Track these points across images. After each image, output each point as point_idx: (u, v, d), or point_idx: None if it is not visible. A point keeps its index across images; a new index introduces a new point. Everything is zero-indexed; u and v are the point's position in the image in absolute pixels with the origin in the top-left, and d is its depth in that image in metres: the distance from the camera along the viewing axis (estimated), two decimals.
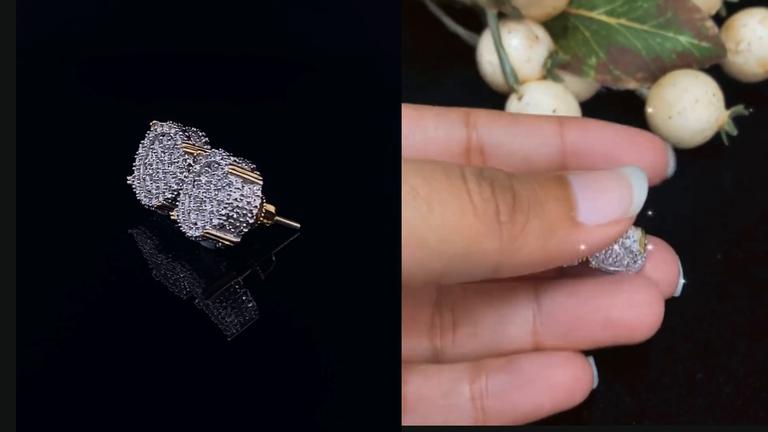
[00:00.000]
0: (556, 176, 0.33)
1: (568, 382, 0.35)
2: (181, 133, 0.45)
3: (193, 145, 0.44)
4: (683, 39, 0.46)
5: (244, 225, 0.42)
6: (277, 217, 0.44)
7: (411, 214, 0.29)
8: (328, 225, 0.47)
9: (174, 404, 0.39)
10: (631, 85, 0.47)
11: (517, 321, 0.36)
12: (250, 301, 0.42)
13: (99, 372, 0.40)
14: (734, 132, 0.46)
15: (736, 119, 0.47)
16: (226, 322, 0.42)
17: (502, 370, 0.35)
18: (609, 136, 0.36)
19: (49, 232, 0.46)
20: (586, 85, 0.48)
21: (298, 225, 0.44)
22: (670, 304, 0.41)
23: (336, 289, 0.43)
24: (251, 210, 0.41)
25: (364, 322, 0.42)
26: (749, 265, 0.43)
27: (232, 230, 0.42)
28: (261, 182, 0.42)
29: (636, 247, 0.35)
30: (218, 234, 0.42)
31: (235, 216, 0.41)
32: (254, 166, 0.43)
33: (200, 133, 0.45)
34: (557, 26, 0.48)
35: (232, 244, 0.42)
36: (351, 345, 0.41)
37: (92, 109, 0.54)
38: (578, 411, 0.38)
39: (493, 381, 0.35)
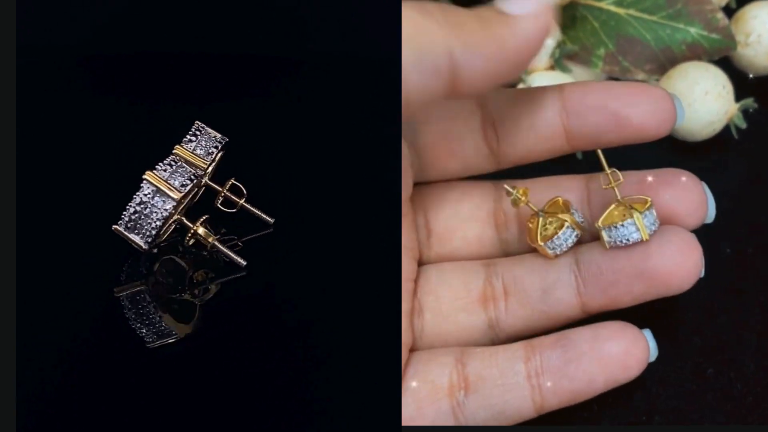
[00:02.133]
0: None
1: (619, 354, 0.35)
2: (190, 134, 0.45)
3: (184, 149, 0.44)
4: (693, 30, 0.46)
5: (147, 234, 0.42)
6: (218, 245, 0.43)
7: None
8: (327, 223, 0.46)
9: (172, 404, 0.38)
10: (640, 76, 0.46)
11: (562, 284, 0.37)
12: (158, 315, 0.42)
13: (106, 369, 0.40)
14: (743, 125, 0.46)
15: (745, 112, 0.46)
16: (136, 327, 0.41)
17: (554, 345, 0.36)
18: (608, 93, 0.37)
19: (49, 231, 0.45)
20: (594, 76, 0.47)
21: (244, 263, 0.43)
22: (679, 298, 0.41)
23: (336, 288, 0.43)
24: (156, 220, 0.42)
25: (365, 321, 0.41)
26: (758, 259, 0.43)
27: (138, 234, 0.42)
28: (175, 198, 0.42)
29: (638, 235, 0.36)
30: (125, 233, 0.42)
31: (140, 221, 0.42)
32: (187, 182, 0.42)
33: (216, 139, 0.45)
34: (566, 16, 0.47)
35: (140, 249, 0.43)
36: (351, 344, 0.41)
37: (92, 108, 0.54)
38: (588, 405, 0.38)
39: (546, 358, 0.36)
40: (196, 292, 0.43)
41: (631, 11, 0.46)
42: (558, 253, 0.38)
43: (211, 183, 0.45)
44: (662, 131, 0.37)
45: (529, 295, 0.38)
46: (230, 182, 0.46)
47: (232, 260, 0.43)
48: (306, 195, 0.48)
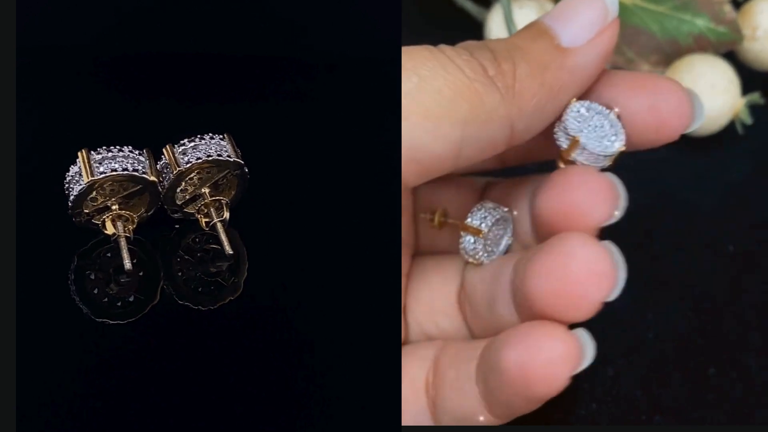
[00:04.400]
0: (528, 24, 0.33)
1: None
2: (191, 138, 0.44)
3: (172, 148, 0.44)
4: (700, 22, 0.45)
5: (68, 204, 0.43)
6: (119, 243, 0.43)
7: (405, 88, 0.30)
8: (326, 222, 0.46)
9: (171, 404, 0.38)
10: (645, 67, 0.46)
11: (502, 300, 0.33)
12: (74, 290, 0.42)
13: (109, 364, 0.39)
14: (749, 120, 0.45)
15: (750, 108, 0.45)
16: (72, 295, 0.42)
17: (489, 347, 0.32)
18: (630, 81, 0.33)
19: (49, 231, 0.45)
20: None
21: (129, 266, 0.42)
22: (681, 297, 0.40)
23: (336, 287, 0.43)
24: (72, 195, 0.42)
25: (365, 321, 0.41)
26: (761, 257, 0.42)
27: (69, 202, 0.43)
28: (84, 182, 0.42)
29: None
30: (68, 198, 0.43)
31: (69, 191, 0.43)
32: (107, 171, 0.42)
33: (210, 152, 0.44)
34: None
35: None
36: (351, 344, 0.40)
37: (92, 109, 0.53)
38: (588, 404, 0.37)
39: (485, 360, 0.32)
40: (111, 285, 0.42)
41: (638, 1, 0.45)
42: (479, 260, 0.35)
43: (208, 196, 0.44)
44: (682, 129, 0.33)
45: (480, 306, 0.35)
46: (215, 199, 0.44)
47: (122, 259, 0.42)
48: (305, 194, 0.48)
